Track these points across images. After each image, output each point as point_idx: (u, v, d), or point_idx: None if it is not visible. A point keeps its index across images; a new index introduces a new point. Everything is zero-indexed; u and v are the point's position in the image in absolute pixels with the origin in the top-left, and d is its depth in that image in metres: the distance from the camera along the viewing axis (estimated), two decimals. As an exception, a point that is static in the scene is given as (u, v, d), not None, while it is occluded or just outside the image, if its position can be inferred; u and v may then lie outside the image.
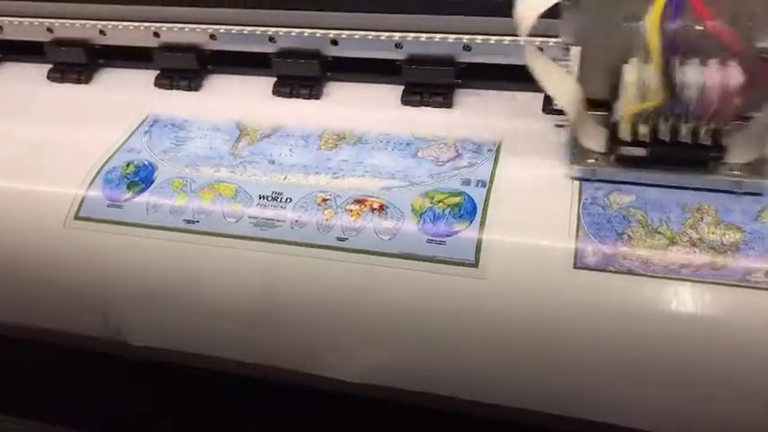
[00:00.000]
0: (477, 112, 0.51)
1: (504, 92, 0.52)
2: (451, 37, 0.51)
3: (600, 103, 0.44)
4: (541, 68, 0.43)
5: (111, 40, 0.59)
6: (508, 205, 0.43)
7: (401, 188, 0.45)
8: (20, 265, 0.49)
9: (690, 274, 0.38)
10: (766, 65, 0.39)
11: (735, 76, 0.38)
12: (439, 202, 0.43)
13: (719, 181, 0.41)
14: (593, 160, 0.43)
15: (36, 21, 0.60)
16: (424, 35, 0.51)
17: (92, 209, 0.47)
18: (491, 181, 0.44)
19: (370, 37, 0.52)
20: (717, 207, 0.40)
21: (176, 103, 0.56)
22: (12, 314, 0.52)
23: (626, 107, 0.40)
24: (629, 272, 0.38)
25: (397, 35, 0.51)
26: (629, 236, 0.39)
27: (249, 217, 0.45)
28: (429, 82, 0.52)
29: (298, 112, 0.53)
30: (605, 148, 0.43)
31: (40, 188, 0.50)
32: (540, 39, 0.47)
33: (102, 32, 0.59)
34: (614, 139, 0.42)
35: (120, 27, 0.58)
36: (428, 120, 0.51)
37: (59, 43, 0.60)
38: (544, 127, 0.49)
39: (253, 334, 0.45)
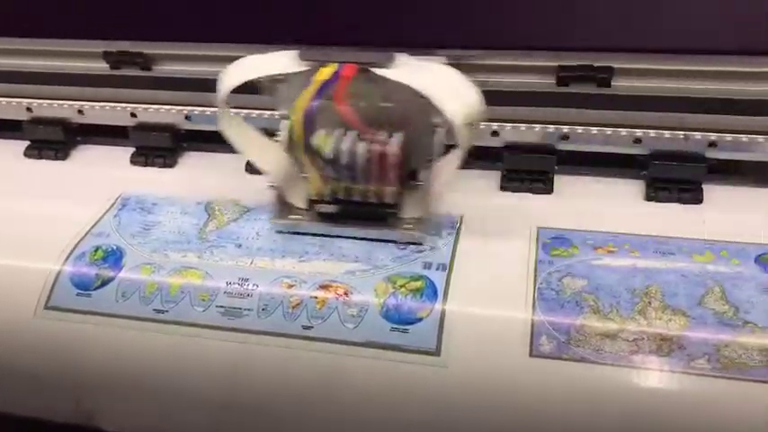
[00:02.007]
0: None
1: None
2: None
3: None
4: (240, 136, 0.50)
5: (89, 119, 0.61)
6: (467, 290, 0.44)
7: (364, 272, 0.46)
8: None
9: (639, 361, 0.40)
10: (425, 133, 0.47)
11: (392, 147, 0.46)
12: (401, 287, 0.45)
13: (393, 233, 0.48)
14: (296, 216, 0.50)
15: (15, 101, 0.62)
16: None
17: (61, 298, 0.48)
18: (451, 265, 0.46)
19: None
20: (664, 291, 0.42)
21: (151, 178, 0.58)
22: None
23: (310, 172, 0.48)
24: (582, 359, 0.40)
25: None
26: (581, 323, 0.41)
27: (217, 306, 0.46)
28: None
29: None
30: (306, 205, 0.50)
31: (10, 275, 0.51)
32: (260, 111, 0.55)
33: (80, 112, 0.61)
34: (312, 198, 0.49)
35: (96, 108, 0.60)
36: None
37: (38, 122, 0.62)
38: (502, 204, 0.52)
39: (221, 422, 0.46)
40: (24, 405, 0.51)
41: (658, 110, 0.50)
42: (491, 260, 0.46)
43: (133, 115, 0.60)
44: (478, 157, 0.53)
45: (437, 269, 0.46)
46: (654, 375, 0.39)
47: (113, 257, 0.50)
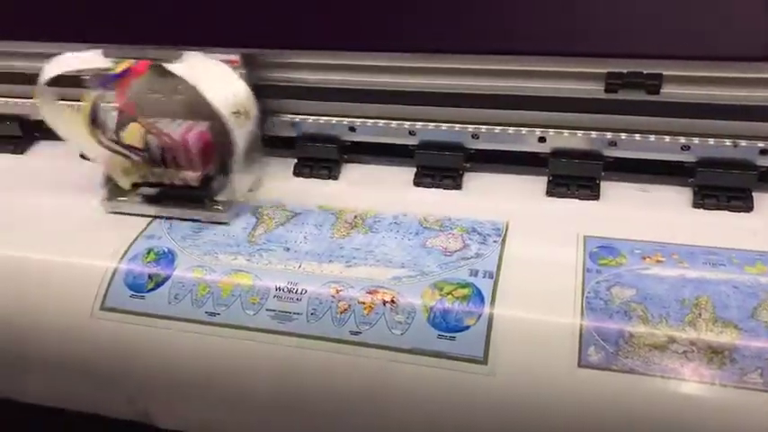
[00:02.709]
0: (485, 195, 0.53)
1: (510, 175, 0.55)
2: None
3: None
4: (62, 123, 0.54)
5: None
6: (515, 299, 0.44)
7: (411, 278, 0.47)
8: (50, 352, 0.51)
9: (689, 374, 0.39)
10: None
11: (191, 136, 0.52)
12: (448, 294, 0.45)
13: (206, 214, 0.54)
14: (124, 198, 0.55)
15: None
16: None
17: (116, 299, 0.50)
18: (498, 272, 0.46)
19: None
20: (714, 302, 0.42)
21: None
22: (42, 397, 0.54)
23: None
24: (631, 371, 0.40)
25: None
26: (630, 333, 0.41)
27: (267, 310, 0.47)
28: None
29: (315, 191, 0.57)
30: (131, 188, 0.55)
31: (69, 275, 0.52)
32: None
33: None
34: (138, 182, 0.54)
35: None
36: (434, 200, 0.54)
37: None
38: (548, 210, 0.52)
39: (270, 423, 0.47)
40: (82, 401, 0.53)
41: (707, 117, 0.49)
42: (538, 268, 0.46)
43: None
44: (525, 163, 0.54)
45: (484, 276, 0.46)
46: (704, 389, 0.39)
47: (165, 260, 0.51)
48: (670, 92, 0.49)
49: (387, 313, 0.45)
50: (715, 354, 0.40)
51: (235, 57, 0.53)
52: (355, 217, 0.52)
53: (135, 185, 0.55)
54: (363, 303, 0.46)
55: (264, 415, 0.47)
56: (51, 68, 0.52)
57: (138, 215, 0.54)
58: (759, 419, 0.38)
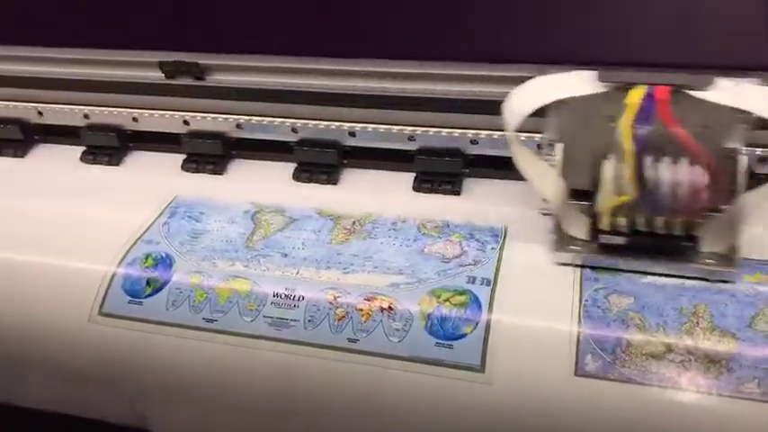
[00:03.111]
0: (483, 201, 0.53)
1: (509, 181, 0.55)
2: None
3: (583, 192, 0.47)
4: (525, 161, 0.47)
5: (143, 126, 0.63)
6: (512, 306, 0.44)
7: (409, 285, 0.47)
8: (48, 357, 0.51)
9: (685, 383, 0.39)
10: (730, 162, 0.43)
11: (700, 173, 0.42)
12: (446, 300, 0.45)
13: (693, 268, 0.44)
14: (576, 247, 0.46)
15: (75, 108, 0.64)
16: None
17: (114, 305, 0.50)
18: (495, 280, 0.46)
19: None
20: (712, 311, 0.42)
21: (200, 185, 0.59)
22: (41, 402, 0.54)
23: (604, 201, 0.44)
24: (628, 380, 0.40)
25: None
26: (627, 342, 0.41)
27: (264, 316, 0.47)
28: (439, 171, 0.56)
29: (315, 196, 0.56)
30: (587, 236, 0.46)
31: (66, 279, 0.52)
32: (526, 134, 0.51)
33: (134, 119, 0.63)
34: (595, 228, 0.46)
35: (154, 115, 0.62)
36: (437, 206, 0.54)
37: (93, 128, 0.64)
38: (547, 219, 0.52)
39: (269, 429, 0.47)
40: (81, 406, 0.53)
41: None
42: (535, 275, 0.46)
43: (186, 123, 0.61)
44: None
45: (481, 283, 0.46)
46: (701, 398, 0.39)
47: (163, 265, 0.51)
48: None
49: (384, 320, 0.45)
50: (712, 363, 0.40)
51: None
52: (353, 223, 0.52)
53: (594, 233, 0.46)
54: (361, 310, 0.46)
55: (262, 421, 0.47)
56: (530, 98, 0.44)
57: (603, 268, 0.46)
58: (756, 429, 0.38)
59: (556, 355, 0.42)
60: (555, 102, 0.44)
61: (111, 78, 0.63)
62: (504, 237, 0.49)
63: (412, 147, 0.56)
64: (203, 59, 0.59)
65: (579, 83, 0.44)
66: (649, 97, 0.41)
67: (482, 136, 0.54)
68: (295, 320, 0.46)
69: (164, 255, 0.52)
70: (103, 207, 0.58)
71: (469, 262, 0.48)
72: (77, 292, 0.51)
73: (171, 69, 0.60)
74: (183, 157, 0.62)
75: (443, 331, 0.44)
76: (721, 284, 0.43)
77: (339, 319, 0.46)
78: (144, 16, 0.60)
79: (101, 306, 0.50)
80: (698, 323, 0.41)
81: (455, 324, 0.44)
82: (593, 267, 0.46)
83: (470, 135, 0.54)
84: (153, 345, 0.48)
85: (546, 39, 0.53)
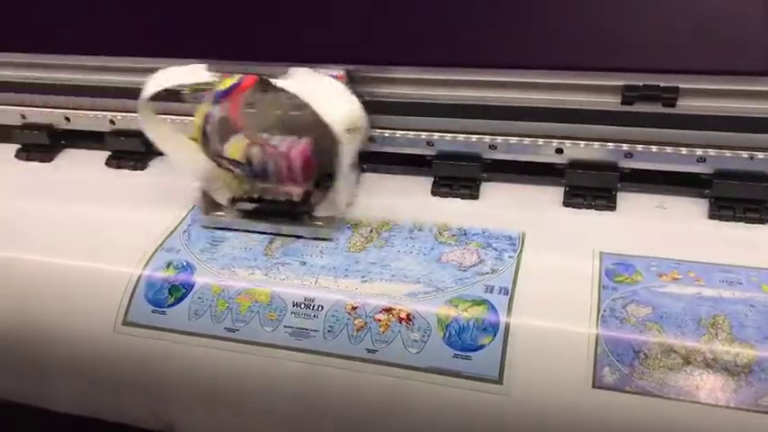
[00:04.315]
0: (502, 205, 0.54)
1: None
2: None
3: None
4: (162, 137, 0.54)
5: None
6: (530, 317, 0.45)
7: (426, 294, 0.47)
8: (74, 364, 0.53)
9: (703, 397, 0.40)
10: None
11: (294, 152, 0.51)
12: (463, 311, 0.46)
13: (305, 230, 0.53)
14: (220, 213, 0.55)
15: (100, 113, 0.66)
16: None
17: (137, 315, 0.51)
18: (513, 289, 0.46)
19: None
20: (731, 322, 0.42)
21: None
22: (68, 406, 0.55)
23: (224, 173, 0.53)
24: (646, 393, 0.40)
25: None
26: (645, 354, 0.41)
27: (285, 326, 0.48)
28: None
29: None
30: (228, 204, 0.55)
31: (91, 287, 0.53)
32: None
33: None
34: (234, 197, 0.55)
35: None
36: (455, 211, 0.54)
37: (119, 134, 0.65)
38: (564, 221, 0.52)
39: (291, 437, 0.48)
40: (107, 411, 0.54)
41: (723, 129, 0.49)
42: (553, 285, 0.46)
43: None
44: (542, 174, 0.54)
45: (499, 293, 0.46)
46: (719, 412, 0.39)
47: (184, 274, 0.52)
48: (686, 104, 0.48)
49: (403, 331, 0.46)
50: (730, 376, 0.40)
51: (340, 72, 0.52)
52: (371, 231, 0.53)
53: (232, 201, 0.54)
54: (379, 321, 0.46)
55: (282, 430, 0.48)
56: (154, 83, 0.52)
57: (236, 230, 0.54)
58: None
59: (574, 367, 0.42)
60: (191, 90, 0.52)
61: (137, 85, 0.63)
62: (522, 244, 0.50)
63: (431, 152, 0.56)
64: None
65: (193, 73, 0.52)
66: (235, 85, 0.49)
67: (500, 141, 0.54)
68: (315, 330, 0.47)
69: (185, 263, 0.52)
70: (126, 213, 0.59)
71: (487, 270, 0.48)
72: (102, 299, 0.52)
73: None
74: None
75: (461, 342, 0.44)
76: (740, 294, 0.43)
77: (358, 330, 0.46)
78: (170, 24, 0.61)
79: (125, 316, 0.51)
80: (717, 334, 0.41)
81: (473, 335, 0.44)
82: (235, 230, 0.54)
83: (488, 140, 0.54)
84: (176, 354, 0.49)
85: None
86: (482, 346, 0.44)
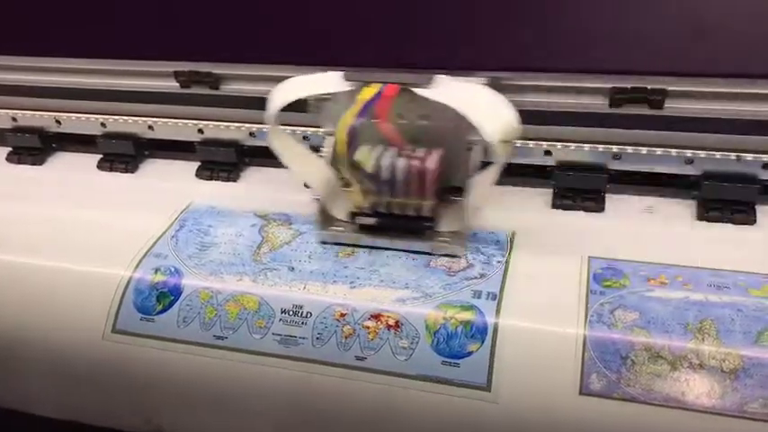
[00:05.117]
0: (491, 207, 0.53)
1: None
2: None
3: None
4: (288, 151, 0.52)
5: (159, 134, 0.64)
6: (518, 323, 0.45)
7: (415, 300, 0.47)
8: (66, 371, 0.53)
9: (690, 403, 0.40)
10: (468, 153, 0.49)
11: (429, 163, 0.47)
12: (451, 317, 0.46)
13: (428, 245, 0.50)
14: (339, 227, 0.52)
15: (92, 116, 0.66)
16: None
17: (126, 322, 0.50)
18: (501, 294, 0.46)
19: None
20: (718, 327, 0.42)
21: (214, 192, 0.61)
22: (61, 412, 0.56)
23: (354, 187, 0.50)
24: (633, 399, 0.40)
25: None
26: (632, 360, 0.41)
27: (273, 334, 0.48)
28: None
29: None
30: (347, 218, 0.52)
31: (80, 295, 0.53)
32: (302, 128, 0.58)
33: (150, 128, 0.64)
34: (355, 211, 0.51)
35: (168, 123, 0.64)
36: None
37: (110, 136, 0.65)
38: (553, 222, 0.52)
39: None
40: (98, 416, 0.54)
41: (711, 131, 0.49)
42: (541, 290, 0.46)
43: (200, 131, 0.62)
44: (530, 175, 0.54)
45: (487, 298, 0.46)
46: (705, 419, 0.39)
47: (173, 280, 0.51)
48: (673, 106, 0.48)
49: (391, 338, 0.46)
50: (717, 382, 0.40)
51: (483, 80, 0.49)
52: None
53: (352, 215, 0.51)
54: (368, 328, 0.46)
55: (274, 436, 0.48)
56: (284, 94, 0.49)
57: (355, 246, 0.52)
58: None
59: (561, 374, 0.42)
60: (316, 99, 0.50)
61: (128, 88, 0.64)
62: (511, 248, 0.49)
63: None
64: (218, 69, 0.60)
65: (329, 81, 0.49)
66: (379, 94, 0.47)
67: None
68: (303, 338, 0.47)
69: (172, 269, 0.52)
70: (116, 216, 0.59)
71: (475, 275, 0.48)
72: (91, 306, 0.52)
73: (185, 79, 0.61)
74: (198, 164, 0.63)
75: (450, 349, 0.44)
76: (727, 298, 0.43)
77: (347, 337, 0.46)
78: (159, 26, 0.61)
79: (114, 324, 0.51)
80: (703, 340, 0.42)
81: (461, 342, 0.44)
82: (354, 245, 0.52)
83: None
84: (166, 361, 0.49)
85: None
86: (470, 353, 0.44)
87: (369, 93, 0.47)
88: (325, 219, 0.52)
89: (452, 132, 0.48)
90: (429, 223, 0.50)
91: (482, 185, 0.48)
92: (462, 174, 0.49)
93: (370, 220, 0.51)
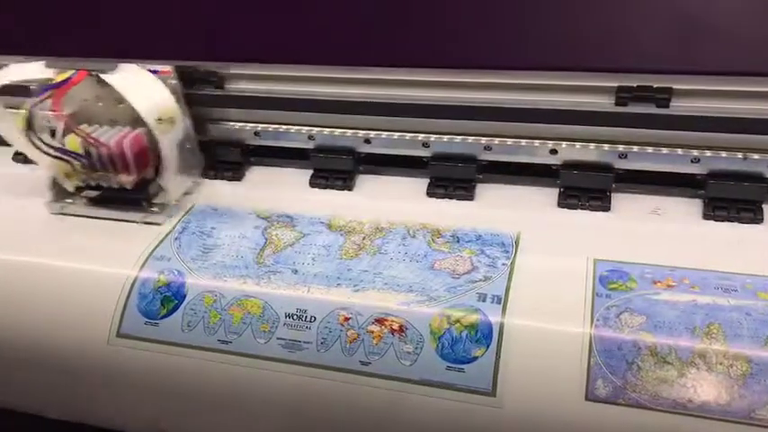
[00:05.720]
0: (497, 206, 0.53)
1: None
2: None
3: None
4: (7, 126, 0.56)
5: None
6: (523, 327, 0.44)
7: (419, 303, 0.47)
8: (71, 375, 0.53)
9: (696, 409, 0.39)
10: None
11: (128, 142, 0.54)
12: (456, 321, 0.45)
13: (141, 215, 0.56)
14: (69, 200, 0.59)
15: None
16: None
17: (131, 326, 0.50)
18: (506, 297, 0.46)
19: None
20: (726, 331, 0.41)
21: (219, 192, 0.60)
22: (65, 415, 0.56)
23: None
24: (639, 405, 0.40)
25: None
26: (638, 366, 0.41)
27: (278, 338, 0.47)
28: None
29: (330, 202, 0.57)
30: (75, 191, 0.58)
31: (84, 299, 0.53)
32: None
33: None
34: (81, 185, 0.58)
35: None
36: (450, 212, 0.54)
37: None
38: (559, 222, 0.51)
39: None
40: (103, 420, 0.55)
41: (716, 130, 0.48)
42: (547, 294, 0.46)
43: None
44: (536, 175, 0.53)
45: (492, 302, 0.46)
46: (712, 425, 0.39)
47: (176, 284, 0.51)
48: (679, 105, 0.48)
49: (395, 343, 0.45)
50: (724, 388, 0.40)
51: (167, 68, 0.56)
52: (363, 238, 0.52)
53: (79, 188, 0.58)
54: (372, 333, 0.46)
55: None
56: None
57: (81, 216, 0.58)
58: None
59: (567, 380, 0.42)
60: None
61: None
62: (516, 249, 0.49)
63: (427, 153, 0.56)
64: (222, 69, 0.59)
65: (31, 69, 0.54)
66: (67, 79, 0.53)
67: (496, 142, 0.53)
68: (308, 342, 0.47)
69: (176, 272, 0.52)
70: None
71: (480, 278, 0.47)
72: (96, 310, 0.52)
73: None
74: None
75: (454, 354, 0.44)
76: (735, 301, 0.43)
77: (351, 342, 0.46)
78: (158, 25, 0.60)
79: (119, 327, 0.50)
80: (711, 344, 0.41)
81: (466, 347, 0.44)
82: (83, 216, 0.58)
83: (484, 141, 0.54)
84: (171, 365, 0.49)
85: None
86: (475, 358, 0.44)
87: (59, 78, 0.53)
88: (58, 192, 0.58)
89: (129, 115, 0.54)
90: (141, 195, 0.56)
91: (170, 162, 0.55)
92: (158, 152, 0.55)
93: (94, 193, 0.58)
